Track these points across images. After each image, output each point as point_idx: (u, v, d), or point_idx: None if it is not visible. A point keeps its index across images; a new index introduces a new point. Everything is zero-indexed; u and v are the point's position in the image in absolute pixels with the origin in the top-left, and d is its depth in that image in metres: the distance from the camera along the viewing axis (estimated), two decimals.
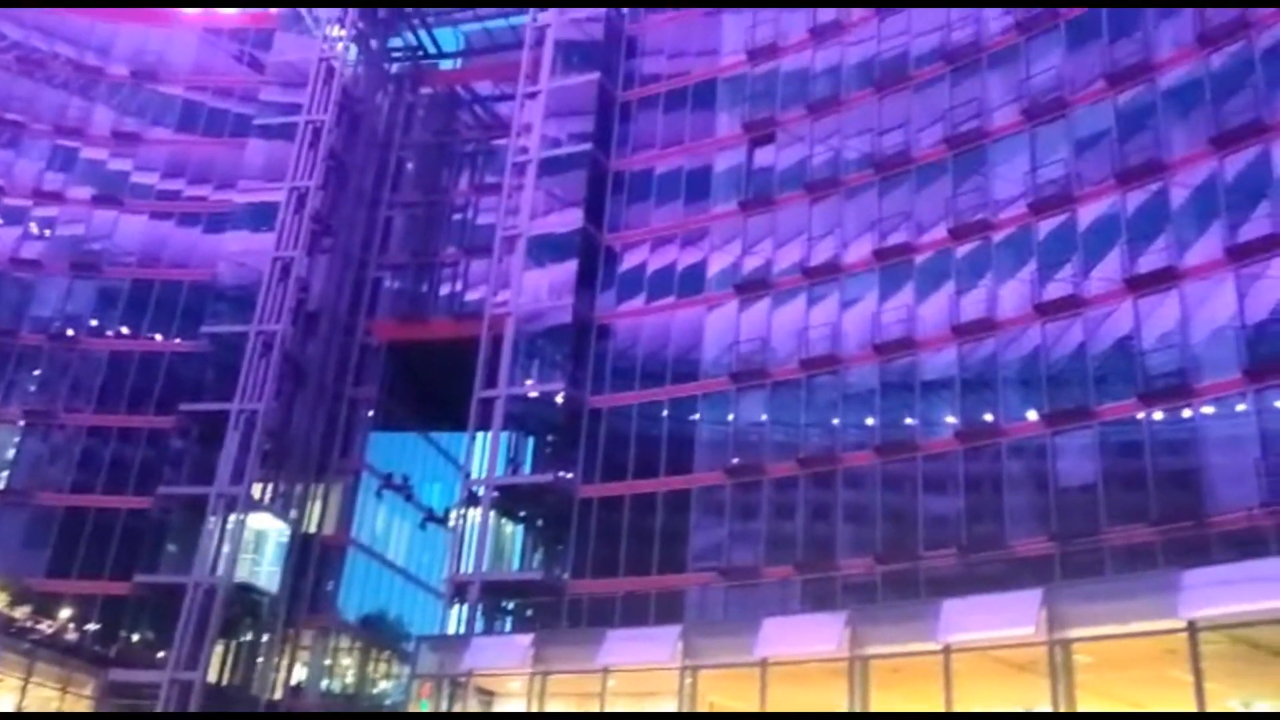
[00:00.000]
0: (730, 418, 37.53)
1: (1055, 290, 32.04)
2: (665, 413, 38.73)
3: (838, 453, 34.68)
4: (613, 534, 37.52)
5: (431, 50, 53.11)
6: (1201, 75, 31.14)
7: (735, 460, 36.39)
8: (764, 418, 36.91)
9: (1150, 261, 30.46)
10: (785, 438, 36.29)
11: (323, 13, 49.65)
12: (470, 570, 38.40)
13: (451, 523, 44.22)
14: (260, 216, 45.48)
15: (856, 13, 40.00)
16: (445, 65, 54.14)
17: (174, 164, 49.18)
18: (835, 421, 35.46)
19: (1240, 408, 27.87)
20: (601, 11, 45.54)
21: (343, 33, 49.01)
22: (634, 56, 45.47)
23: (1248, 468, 27.01)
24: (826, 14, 40.57)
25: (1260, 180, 29.09)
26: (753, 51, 41.88)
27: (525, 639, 30.31)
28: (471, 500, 39.94)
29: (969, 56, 36.51)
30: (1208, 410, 28.53)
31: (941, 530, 31.96)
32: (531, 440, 43.00)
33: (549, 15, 46.36)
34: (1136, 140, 32.04)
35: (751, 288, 38.42)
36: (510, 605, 40.21)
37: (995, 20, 36.41)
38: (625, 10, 46.61)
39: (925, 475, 32.86)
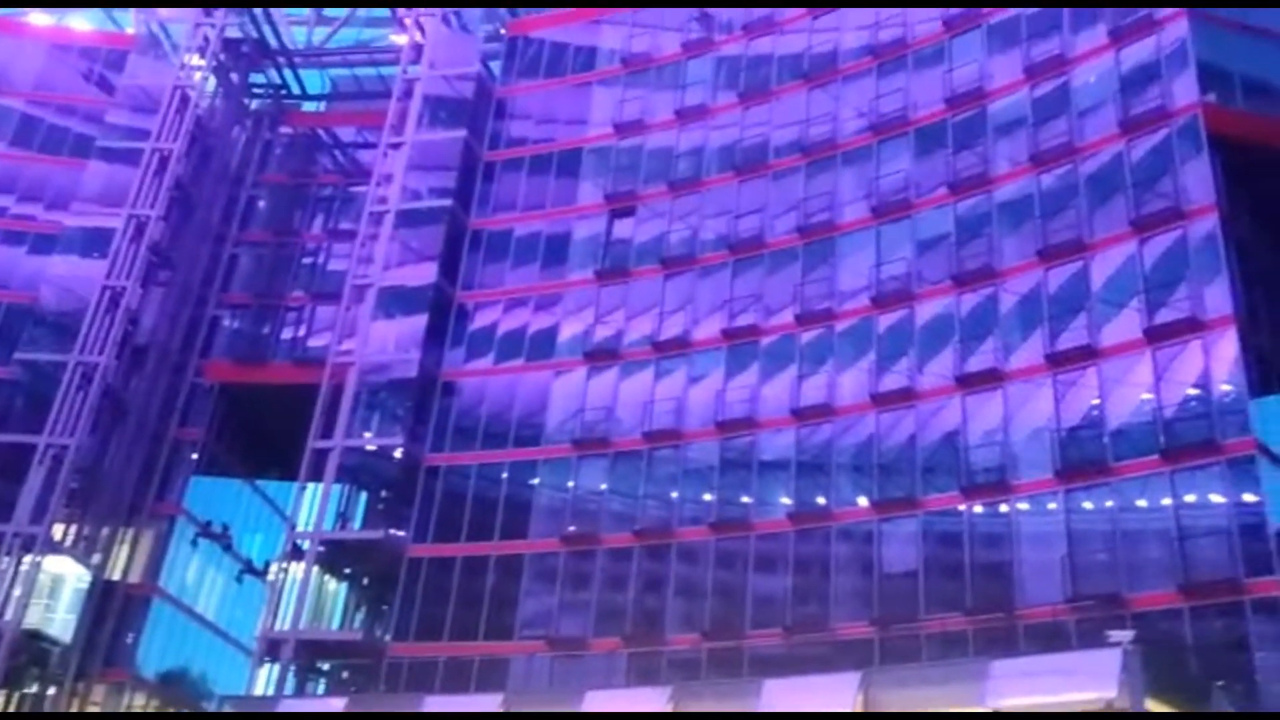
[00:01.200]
0: (570, 485, 37.29)
1: (891, 382, 33.27)
2: (505, 475, 38.21)
3: (673, 527, 34.85)
4: (440, 596, 36.49)
5: (295, 90, 52.04)
6: (1032, 192, 33.29)
7: (572, 528, 36.11)
8: (603, 487, 36.81)
9: (979, 362, 32.03)
10: (623, 508, 36.26)
11: (182, 39, 48.18)
12: (286, 627, 36.62)
13: (271, 576, 42.17)
14: (93, 242, 43.18)
15: (722, 97, 41.33)
16: (309, 107, 53.11)
17: (3, 179, 46.43)
18: (674, 495, 35.69)
19: (1051, 506, 29.36)
20: (473, 71, 45.69)
21: (203, 62, 47.58)
22: (502, 118, 45.63)
23: (1055, 564, 28.41)
24: (694, 96, 41.74)
25: (1079, 294, 31.13)
26: (620, 125, 42.63)
27: (338, 702, 29.06)
28: (295, 554, 38.23)
29: (825, 152, 38.06)
30: (1023, 507, 29.96)
31: (768, 610, 32.32)
32: (364, 495, 41.73)
33: (420, 69, 46.20)
34: (972, 246, 33.88)
35: (601, 356, 38.56)
36: (326, 666, 38.47)
37: (850, 121, 38.16)
38: (498, 72, 46.98)
39: (756, 554, 33.30)
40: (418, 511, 38.23)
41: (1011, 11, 35.86)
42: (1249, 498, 26.53)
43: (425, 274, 41.69)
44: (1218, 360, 27.96)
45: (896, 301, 34.27)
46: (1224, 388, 27.74)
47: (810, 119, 38.86)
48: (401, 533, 38.00)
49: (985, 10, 36.48)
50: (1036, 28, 35.21)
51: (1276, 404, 28.96)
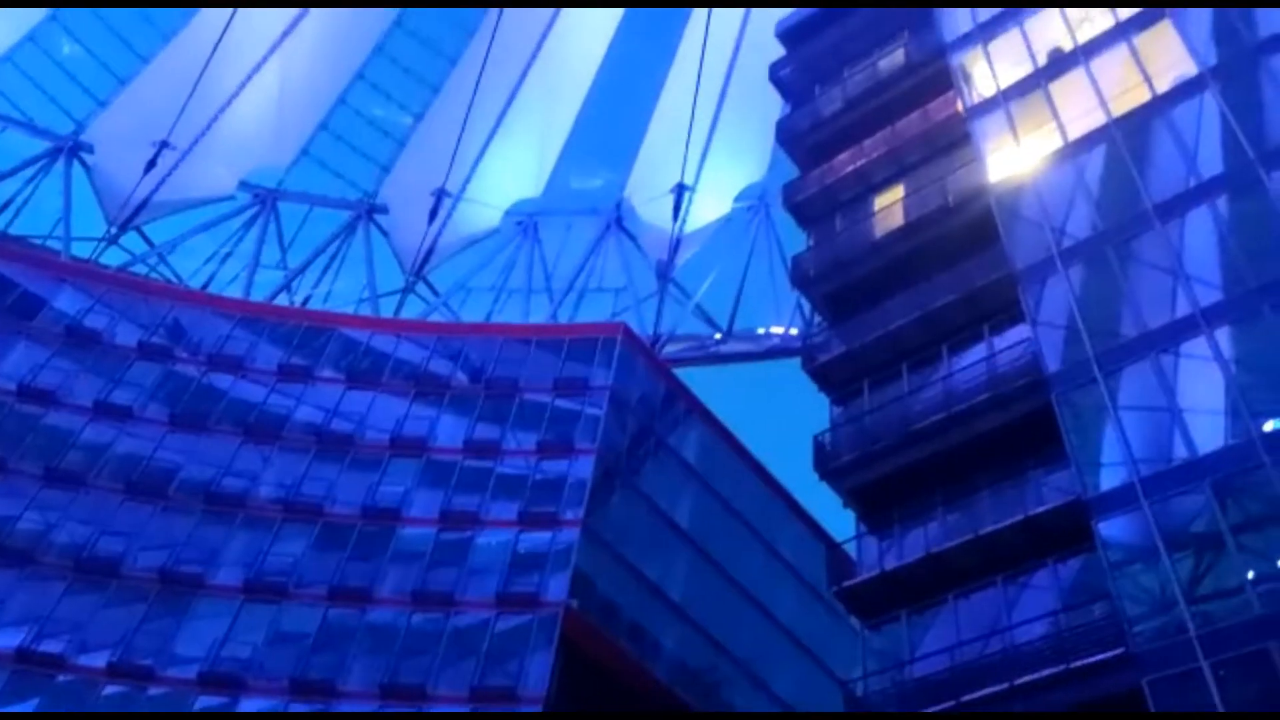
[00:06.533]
0: None
1: None
2: None
3: None
4: None
5: None
6: (402, 625, 33.40)
7: None
8: None
9: None
10: None
11: None
12: None
13: None
14: None
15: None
16: None
17: None
18: None
19: None
20: None
21: None
22: None
23: None
24: (120, 398, 38.82)
25: None
26: None
27: None
28: None
29: (227, 506, 36.35)
30: None
31: None
32: None
33: None
34: (324, 654, 32.75)
35: None
36: None
37: (269, 488, 37.17)
38: None
39: None
40: None
41: (451, 455, 38.16)
42: None
43: None
44: None
45: (224, 686, 31.70)
46: None
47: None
48: None
49: (432, 446, 38.49)
50: (465, 479, 37.51)
51: None
